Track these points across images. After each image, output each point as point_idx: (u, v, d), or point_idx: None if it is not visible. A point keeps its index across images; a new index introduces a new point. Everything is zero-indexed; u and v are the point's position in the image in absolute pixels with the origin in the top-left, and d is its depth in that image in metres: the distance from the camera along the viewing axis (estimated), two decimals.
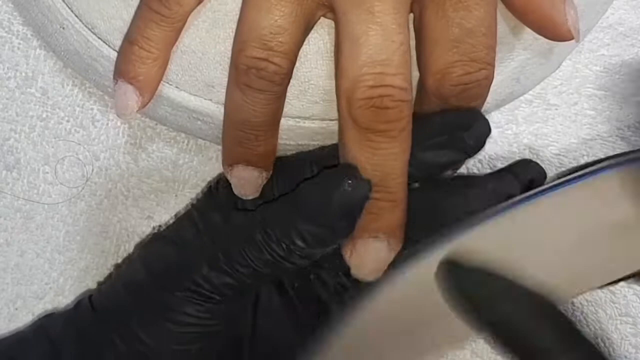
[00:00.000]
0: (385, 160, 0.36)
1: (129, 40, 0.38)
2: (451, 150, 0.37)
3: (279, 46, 0.36)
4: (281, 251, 0.36)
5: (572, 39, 0.36)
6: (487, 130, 0.37)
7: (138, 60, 0.37)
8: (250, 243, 0.36)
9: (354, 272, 0.37)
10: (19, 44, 0.45)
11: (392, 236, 0.37)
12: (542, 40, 0.36)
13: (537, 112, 0.44)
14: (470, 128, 0.37)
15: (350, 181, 0.35)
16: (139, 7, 0.38)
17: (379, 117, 0.35)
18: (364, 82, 0.35)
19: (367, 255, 0.37)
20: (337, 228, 0.36)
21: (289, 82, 0.37)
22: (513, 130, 0.44)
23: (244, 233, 0.37)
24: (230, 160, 0.39)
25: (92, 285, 0.45)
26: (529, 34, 0.37)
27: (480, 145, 0.37)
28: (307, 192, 0.36)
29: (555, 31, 0.36)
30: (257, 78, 0.36)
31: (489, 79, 0.36)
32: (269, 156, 0.39)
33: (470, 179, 0.41)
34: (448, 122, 0.37)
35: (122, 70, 0.38)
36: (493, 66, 0.36)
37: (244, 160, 0.39)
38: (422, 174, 0.37)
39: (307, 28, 0.37)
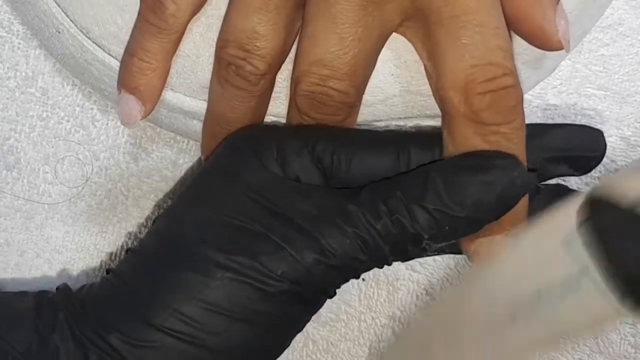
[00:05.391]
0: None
1: (129, 52, 0.39)
2: (570, 167, 0.39)
3: (255, 50, 0.36)
4: (409, 245, 0.35)
5: (562, 49, 0.36)
6: (603, 155, 0.40)
7: (138, 72, 0.38)
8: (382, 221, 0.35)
9: None
10: (19, 44, 0.45)
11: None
12: None
13: (536, 112, 0.44)
14: (597, 150, 0.39)
15: (516, 173, 0.35)
16: (137, 20, 0.38)
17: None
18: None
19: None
20: (484, 221, 0.35)
21: (269, 84, 0.38)
22: None
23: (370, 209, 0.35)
24: (206, 152, 0.40)
25: None
26: (520, 39, 0.37)
27: (593, 168, 0.40)
28: (452, 175, 0.35)
29: (545, 41, 0.36)
30: (235, 75, 0.37)
31: (517, 89, 0.35)
32: None
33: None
34: (575, 138, 0.39)
35: (124, 82, 0.39)
36: (516, 75, 0.35)
37: None
38: None
39: (290, 34, 0.37)
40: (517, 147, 0.35)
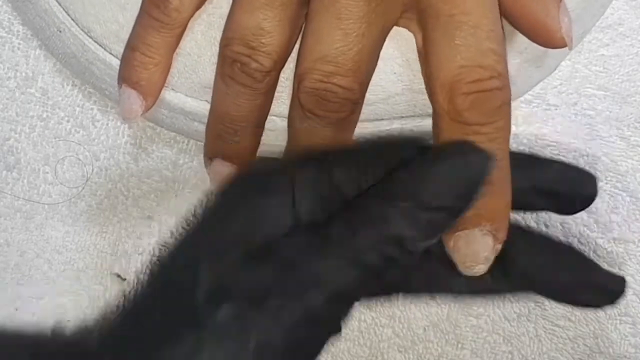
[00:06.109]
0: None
1: (131, 46, 0.39)
2: (554, 204, 0.39)
3: (261, 47, 0.37)
4: (394, 250, 0.34)
5: (565, 46, 0.36)
6: (592, 200, 0.40)
7: (140, 66, 0.38)
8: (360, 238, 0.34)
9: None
10: (19, 44, 0.45)
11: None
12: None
13: (536, 112, 0.44)
14: (586, 193, 0.39)
15: (472, 156, 0.34)
16: (139, 14, 0.38)
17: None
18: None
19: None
20: (455, 209, 0.34)
21: (274, 81, 0.38)
22: (513, 131, 0.44)
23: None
24: (209, 152, 0.40)
25: (91, 284, 0.45)
26: (523, 37, 0.37)
27: (578, 211, 0.40)
28: (416, 171, 0.34)
29: (548, 38, 0.36)
30: (240, 72, 0.37)
31: (504, 91, 0.35)
32: (247, 154, 0.39)
33: None
34: (566, 176, 0.39)
35: (125, 76, 0.39)
36: (506, 78, 0.35)
37: (221, 154, 0.39)
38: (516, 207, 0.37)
39: (294, 31, 0.37)
40: (499, 147, 0.35)
